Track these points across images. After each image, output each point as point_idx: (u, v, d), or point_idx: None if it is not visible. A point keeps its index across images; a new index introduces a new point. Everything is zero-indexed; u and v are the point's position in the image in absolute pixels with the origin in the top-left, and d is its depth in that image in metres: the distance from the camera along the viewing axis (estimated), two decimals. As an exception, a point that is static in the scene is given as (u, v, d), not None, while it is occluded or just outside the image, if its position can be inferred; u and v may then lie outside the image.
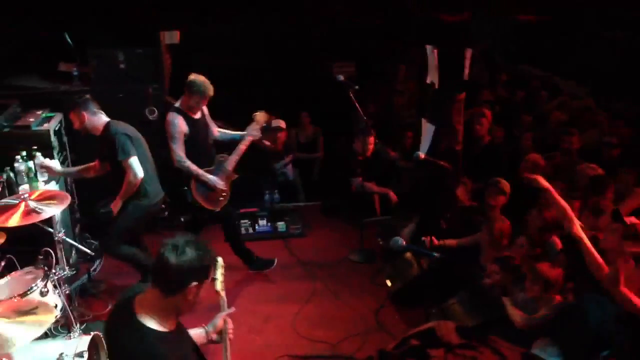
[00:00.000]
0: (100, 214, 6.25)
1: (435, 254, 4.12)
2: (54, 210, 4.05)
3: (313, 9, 3.09)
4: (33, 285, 3.89)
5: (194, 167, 5.22)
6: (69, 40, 6.19)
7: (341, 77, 5.88)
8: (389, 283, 5.38)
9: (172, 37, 6.61)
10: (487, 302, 4.43)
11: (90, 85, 6.19)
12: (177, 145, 5.15)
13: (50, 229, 4.35)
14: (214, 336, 2.96)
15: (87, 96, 4.88)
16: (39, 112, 5.73)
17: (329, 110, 7.89)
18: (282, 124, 7.26)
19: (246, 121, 7.44)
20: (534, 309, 4.08)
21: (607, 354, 3.17)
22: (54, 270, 4.04)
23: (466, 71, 5.21)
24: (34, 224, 4.00)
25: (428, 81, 5.36)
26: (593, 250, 3.78)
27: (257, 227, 6.61)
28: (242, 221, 6.61)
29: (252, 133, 5.47)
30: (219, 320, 2.95)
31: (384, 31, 8.73)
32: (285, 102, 7.83)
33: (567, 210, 3.97)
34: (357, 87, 5.83)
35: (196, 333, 2.91)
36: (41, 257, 4.16)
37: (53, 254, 4.13)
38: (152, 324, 2.45)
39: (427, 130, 5.42)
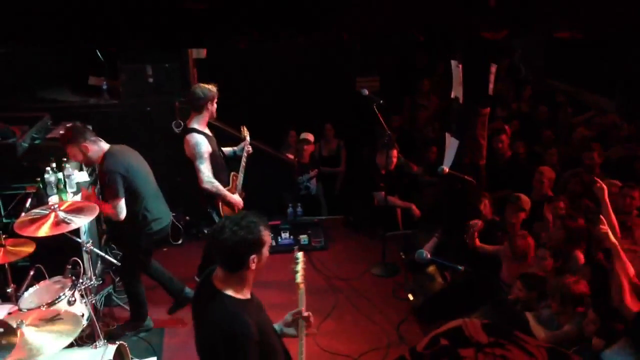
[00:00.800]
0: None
1: (460, 267, 4.11)
2: (82, 221, 4.14)
3: (355, 24, 3.14)
4: (61, 294, 3.97)
5: (221, 187, 5.11)
6: (99, 54, 6.34)
7: (365, 91, 5.91)
8: (410, 297, 5.36)
9: (199, 52, 6.72)
10: (510, 318, 4.38)
11: (118, 98, 6.32)
12: (204, 166, 4.98)
13: (78, 239, 4.44)
14: (288, 331, 3.10)
15: (80, 124, 4.70)
16: (69, 125, 5.85)
17: (353, 123, 7.94)
18: (309, 137, 7.29)
19: (273, 134, 7.56)
20: (559, 325, 4.03)
21: None
22: (81, 280, 4.11)
23: (491, 86, 5.20)
24: (62, 234, 4.09)
25: (453, 96, 5.36)
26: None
27: (279, 239, 6.64)
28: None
29: (247, 149, 5.40)
30: (289, 317, 3.09)
31: (417, 46, 8.78)
32: (310, 115, 7.88)
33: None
34: (381, 101, 5.85)
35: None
36: (69, 266, 4.25)
37: (81, 264, 4.22)
38: (230, 292, 2.66)
39: (451, 144, 5.41)
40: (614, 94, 7.88)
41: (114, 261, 4.87)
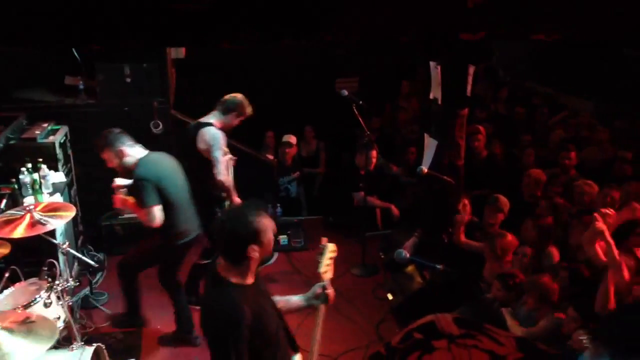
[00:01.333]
0: (103, 227, 6.33)
1: (439, 266, 4.15)
2: (58, 222, 4.09)
3: (342, 28, 3.15)
4: (37, 296, 3.91)
5: (232, 186, 5.07)
6: (76, 54, 6.27)
7: (345, 92, 5.93)
8: (390, 297, 5.39)
9: (178, 52, 6.68)
10: (488, 316, 4.43)
11: (96, 98, 6.26)
12: (220, 160, 4.88)
13: (55, 241, 4.38)
14: (314, 301, 3.23)
15: (114, 129, 4.51)
16: (45, 125, 5.80)
17: (333, 125, 7.95)
18: (292, 139, 7.30)
19: (253, 134, 7.53)
20: (534, 322, 4.09)
21: None
22: (57, 282, 4.06)
23: (469, 87, 5.25)
24: (37, 236, 4.03)
25: (431, 97, 5.40)
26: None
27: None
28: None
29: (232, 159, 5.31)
30: (316, 288, 3.21)
31: (394, 48, 8.81)
32: (289, 116, 7.89)
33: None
34: (361, 102, 5.87)
35: (297, 297, 3.29)
36: (45, 268, 4.19)
37: (57, 265, 4.16)
38: (232, 279, 2.74)
39: (430, 145, 5.45)
40: (590, 96, 8.01)
41: (91, 262, 4.82)
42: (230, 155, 5.20)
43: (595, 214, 4.07)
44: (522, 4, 3.40)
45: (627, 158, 5.96)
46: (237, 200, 5.15)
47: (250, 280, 2.81)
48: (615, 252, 3.92)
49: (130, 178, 4.49)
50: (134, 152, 4.45)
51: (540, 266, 4.68)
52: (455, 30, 3.49)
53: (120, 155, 4.40)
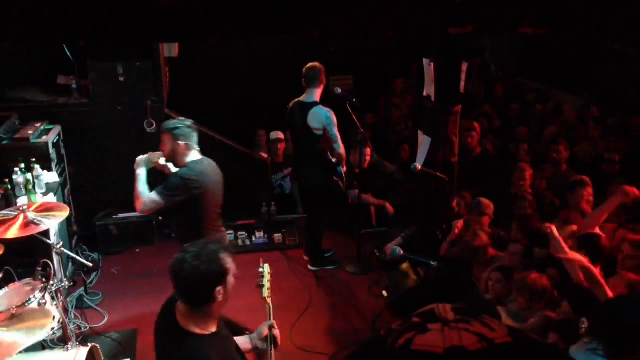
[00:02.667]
0: (97, 227, 6.32)
1: (433, 263, 4.15)
2: (52, 222, 4.07)
3: (327, 26, 3.15)
4: (31, 296, 3.89)
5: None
6: (68, 53, 6.24)
7: (339, 90, 5.92)
8: (385, 294, 5.40)
9: (170, 50, 6.66)
10: (484, 312, 4.44)
11: (89, 98, 6.24)
12: (338, 136, 5.60)
13: (48, 241, 4.36)
14: (259, 343, 2.99)
15: (194, 126, 4.27)
16: (38, 125, 5.77)
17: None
18: (280, 135, 7.30)
19: (245, 133, 7.53)
20: (524, 320, 4.12)
21: None
22: (51, 282, 4.04)
23: (462, 84, 5.26)
24: (31, 236, 4.02)
25: (425, 94, 5.41)
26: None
27: (254, 239, 6.63)
28: (239, 233, 6.63)
29: None
30: (264, 329, 2.99)
31: (387, 45, 8.84)
32: (282, 115, 7.88)
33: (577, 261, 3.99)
34: (354, 100, 5.87)
35: (241, 340, 2.99)
36: (39, 268, 4.17)
37: (51, 266, 4.14)
38: (193, 328, 2.56)
39: (424, 142, 5.46)
40: (582, 92, 8.05)
41: (86, 262, 4.80)
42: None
43: (547, 224, 4.13)
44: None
45: (615, 160, 5.99)
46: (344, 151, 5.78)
47: (213, 327, 2.64)
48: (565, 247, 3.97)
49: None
50: (191, 153, 4.24)
51: (529, 264, 4.71)
52: (443, 24, 3.51)
53: (178, 148, 4.18)
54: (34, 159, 5.25)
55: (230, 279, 2.61)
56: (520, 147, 6.74)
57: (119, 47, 6.15)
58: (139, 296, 5.46)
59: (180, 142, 4.16)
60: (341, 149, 5.68)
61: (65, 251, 4.41)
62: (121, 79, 6.19)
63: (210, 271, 2.50)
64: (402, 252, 4.03)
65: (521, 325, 4.08)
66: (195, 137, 4.26)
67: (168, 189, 4.11)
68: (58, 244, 4.27)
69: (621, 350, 2.62)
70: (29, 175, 5.12)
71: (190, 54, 7.29)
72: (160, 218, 6.56)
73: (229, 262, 2.60)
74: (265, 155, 7.31)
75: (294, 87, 8.18)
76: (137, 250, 6.19)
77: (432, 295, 4.67)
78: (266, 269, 3.10)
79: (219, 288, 2.54)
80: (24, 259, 4.61)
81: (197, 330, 2.56)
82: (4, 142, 5.45)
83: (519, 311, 4.22)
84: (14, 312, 3.59)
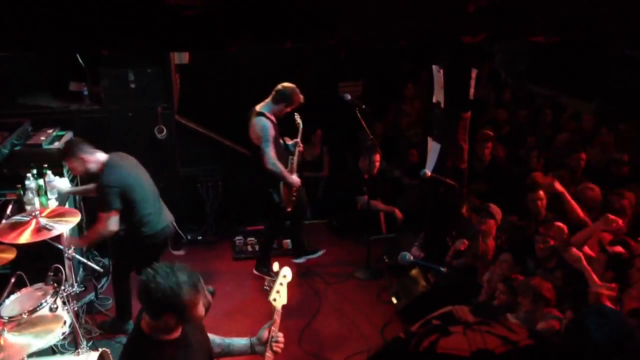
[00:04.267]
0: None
1: (443, 269, 4.15)
2: (64, 228, 4.11)
3: (344, 32, 3.18)
4: (43, 301, 3.93)
5: (283, 169, 5.51)
6: (80, 60, 6.30)
7: (348, 97, 5.94)
8: (394, 300, 5.39)
9: (181, 57, 6.71)
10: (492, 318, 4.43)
11: (100, 104, 6.29)
12: (269, 149, 5.40)
13: (60, 246, 4.40)
14: (258, 348, 2.95)
15: (74, 137, 4.69)
16: (50, 131, 5.82)
17: (337, 129, 7.95)
18: (288, 141, 7.30)
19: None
20: (533, 325, 4.10)
21: None
22: (63, 287, 4.08)
23: (472, 90, 5.26)
24: (43, 241, 4.05)
25: (434, 100, 5.41)
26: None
27: (263, 244, 6.63)
28: (249, 239, 6.66)
29: (299, 142, 5.86)
30: (264, 333, 2.95)
31: (398, 51, 8.83)
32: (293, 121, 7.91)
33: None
34: (364, 106, 5.89)
35: (241, 343, 2.99)
36: (51, 273, 4.21)
37: (63, 271, 4.18)
38: (150, 331, 2.57)
39: (433, 148, 5.46)
40: (592, 98, 8.01)
41: (97, 267, 4.84)
42: (296, 140, 5.85)
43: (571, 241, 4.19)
44: (521, 5, 3.42)
45: (624, 160, 5.96)
46: (294, 180, 5.63)
47: (174, 334, 2.62)
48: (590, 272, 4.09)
49: (96, 183, 4.68)
50: (95, 157, 4.58)
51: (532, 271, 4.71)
52: (456, 33, 3.51)
53: (83, 162, 4.53)
54: (46, 165, 5.29)
55: (192, 314, 2.56)
56: (532, 154, 6.70)
57: (135, 55, 6.20)
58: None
59: (80, 156, 4.49)
60: (274, 166, 5.46)
61: (77, 256, 4.46)
62: (132, 85, 6.22)
63: (168, 296, 2.46)
64: (411, 258, 4.04)
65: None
66: (86, 144, 4.60)
67: (111, 201, 4.45)
68: (69, 249, 4.31)
69: None
70: (41, 181, 5.16)
71: (200, 61, 7.33)
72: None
73: (192, 297, 2.52)
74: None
75: (304, 94, 8.22)
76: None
77: (441, 301, 4.69)
78: (282, 272, 3.08)
79: (172, 315, 2.51)
80: (36, 264, 4.65)
81: (154, 335, 2.57)
82: (17, 148, 5.50)
83: (525, 315, 4.20)
84: (25, 316, 3.62)
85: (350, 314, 5.42)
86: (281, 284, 3.04)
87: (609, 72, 7.82)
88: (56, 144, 5.66)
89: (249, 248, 6.57)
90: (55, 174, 5.36)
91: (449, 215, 5.54)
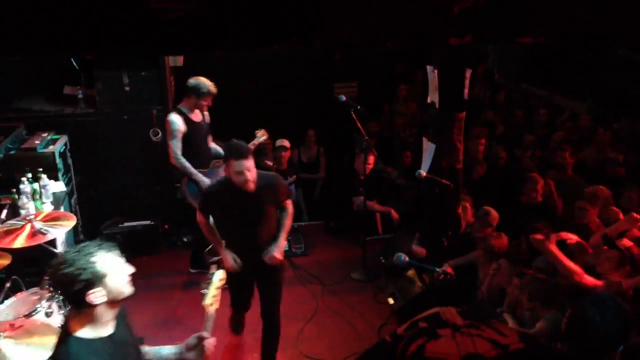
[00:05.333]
0: (103, 235, 6.34)
1: (438, 269, 4.15)
2: (59, 232, 4.11)
3: (329, 37, 3.18)
4: (38, 306, 3.92)
5: (188, 165, 5.43)
6: (74, 63, 6.29)
7: (343, 98, 5.94)
8: (390, 301, 5.40)
9: (176, 60, 6.70)
10: (489, 319, 4.43)
11: (95, 107, 6.28)
12: (174, 142, 5.38)
13: (55, 250, 4.40)
14: (188, 355, 2.80)
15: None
16: (45, 135, 5.82)
17: (332, 130, 7.96)
18: (285, 143, 7.31)
19: (249, 140, 7.52)
20: (532, 324, 4.11)
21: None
22: (58, 291, 4.06)
23: (466, 90, 5.27)
24: (38, 245, 4.05)
25: (429, 101, 5.42)
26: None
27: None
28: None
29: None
30: (192, 340, 2.81)
31: (392, 52, 8.85)
32: (289, 121, 7.92)
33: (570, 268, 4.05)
34: (359, 107, 5.89)
35: (172, 351, 2.84)
36: (47, 277, 4.20)
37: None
38: (77, 330, 2.38)
39: (429, 148, 5.46)
40: (586, 98, 8.04)
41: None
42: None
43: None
44: (508, 6, 3.43)
45: (619, 160, 5.99)
46: (200, 177, 5.44)
47: (104, 331, 2.44)
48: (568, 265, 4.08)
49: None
50: None
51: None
52: (442, 34, 3.51)
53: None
54: (40, 169, 5.28)
55: (111, 281, 2.39)
56: (525, 154, 6.73)
57: (126, 58, 6.19)
58: (145, 304, 5.46)
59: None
60: (178, 160, 5.40)
61: (72, 260, 4.43)
62: (127, 88, 6.22)
63: (77, 275, 2.30)
64: (407, 258, 4.04)
65: (530, 330, 4.07)
66: None
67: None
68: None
69: (591, 356, 2.57)
70: (35, 185, 5.15)
71: (195, 63, 7.32)
72: (166, 226, 6.59)
73: (106, 262, 2.39)
74: (270, 163, 7.33)
75: (299, 96, 8.23)
76: (144, 259, 6.20)
77: (438, 302, 4.69)
78: (217, 276, 2.94)
79: (94, 291, 2.34)
80: (31, 268, 4.64)
81: (81, 333, 2.38)
82: (11, 152, 5.50)
83: (525, 315, 4.21)
84: (21, 322, 3.61)
85: (346, 315, 5.42)
86: (217, 288, 2.94)
87: (602, 72, 7.86)
88: (51, 148, 5.65)
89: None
90: (50, 177, 5.35)
91: (444, 216, 5.54)
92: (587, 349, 2.52)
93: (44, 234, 3.98)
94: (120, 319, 2.53)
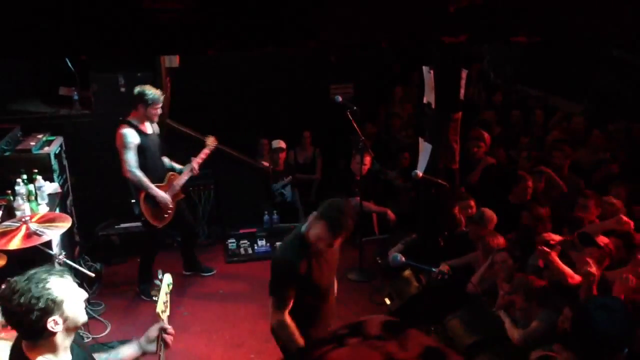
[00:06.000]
0: (99, 237, 6.32)
1: (434, 269, 4.15)
2: (54, 233, 4.09)
3: (322, 38, 3.18)
4: (33, 307, 3.90)
5: (145, 179, 5.31)
6: (70, 64, 6.28)
7: (339, 98, 5.95)
8: (387, 301, 5.39)
9: (172, 60, 6.69)
10: (486, 319, 4.44)
11: (90, 109, 6.27)
12: (129, 155, 5.23)
13: (51, 251, 4.38)
14: (149, 347, 2.81)
15: None
16: (40, 136, 5.80)
17: (328, 131, 7.96)
18: (282, 144, 7.32)
19: (248, 142, 7.55)
20: (526, 324, 4.12)
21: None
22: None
23: (462, 91, 5.28)
24: (34, 246, 4.03)
25: (425, 101, 5.43)
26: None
27: (256, 247, 6.63)
28: (242, 242, 6.65)
29: (193, 166, 5.60)
30: (153, 332, 2.82)
31: (386, 54, 8.86)
32: (284, 123, 7.91)
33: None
34: (355, 108, 5.89)
35: (129, 351, 2.83)
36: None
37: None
38: (37, 358, 2.32)
39: (425, 149, 5.47)
40: (582, 99, 8.06)
41: (88, 273, 4.81)
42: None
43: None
44: (502, 6, 3.44)
45: (612, 161, 6.00)
46: (162, 195, 5.39)
47: (63, 356, 2.38)
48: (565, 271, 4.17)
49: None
50: None
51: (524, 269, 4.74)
52: (437, 34, 3.52)
53: None
54: (36, 170, 5.27)
55: (68, 308, 2.32)
56: (520, 155, 6.74)
57: (121, 59, 6.18)
58: (141, 306, 5.46)
59: None
60: (133, 173, 5.28)
61: (68, 261, 4.43)
62: (122, 89, 6.21)
63: (33, 305, 2.23)
64: (403, 259, 4.03)
65: (525, 330, 4.08)
66: None
67: None
68: (60, 254, 4.30)
69: (595, 358, 2.58)
70: (31, 186, 5.13)
71: (191, 64, 7.32)
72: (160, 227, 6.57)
73: (61, 289, 2.31)
74: (266, 164, 7.34)
75: (296, 97, 8.23)
76: (139, 260, 6.19)
77: (434, 302, 4.70)
78: (165, 280, 2.86)
79: (53, 318, 2.27)
80: (27, 269, 4.61)
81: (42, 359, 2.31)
82: (6, 154, 5.48)
83: (520, 315, 4.21)
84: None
85: (343, 316, 5.38)
86: (166, 293, 2.88)
87: (597, 73, 7.88)
88: (46, 149, 5.64)
89: (242, 251, 6.56)
90: (45, 179, 5.34)
91: (441, 216, 5.55)
92: (594, 352, 2.53)
93: (39, 235, 3.97)
94: (73, 342, 2.48)
